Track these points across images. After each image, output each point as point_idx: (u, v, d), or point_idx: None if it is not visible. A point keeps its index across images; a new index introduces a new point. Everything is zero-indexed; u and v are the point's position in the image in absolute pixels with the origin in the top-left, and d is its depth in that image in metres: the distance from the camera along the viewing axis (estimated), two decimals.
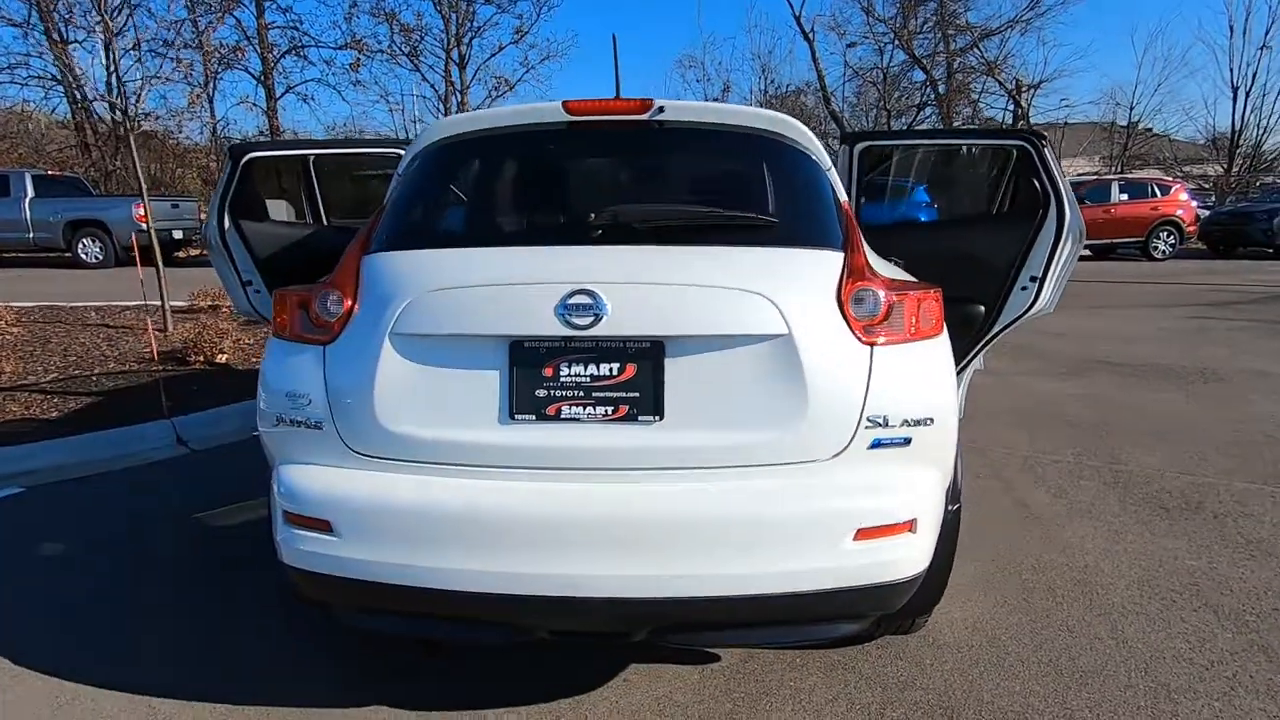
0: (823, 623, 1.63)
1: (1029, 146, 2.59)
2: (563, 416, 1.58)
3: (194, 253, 17.07)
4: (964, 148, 4.19)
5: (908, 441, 1.61)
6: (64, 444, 3.98)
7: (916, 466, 1.64)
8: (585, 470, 1.57)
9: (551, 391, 1.58)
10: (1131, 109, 22.82)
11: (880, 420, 1.59)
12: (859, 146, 2.77)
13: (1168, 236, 15.68)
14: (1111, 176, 17.02)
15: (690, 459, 1.57)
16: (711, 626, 1.63)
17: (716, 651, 2.12)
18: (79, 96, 18.31)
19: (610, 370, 1.58)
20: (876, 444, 1.60)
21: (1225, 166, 22.53)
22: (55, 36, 18.31)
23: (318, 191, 3.37)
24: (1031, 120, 20.50)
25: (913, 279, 1.92)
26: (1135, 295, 10.24)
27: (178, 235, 15.08)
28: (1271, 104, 22.12)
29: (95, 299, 8.76)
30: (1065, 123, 22.08)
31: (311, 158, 3.30)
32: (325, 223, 3.32)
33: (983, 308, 2.81)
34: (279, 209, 3.39)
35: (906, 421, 1.60)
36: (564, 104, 1.96)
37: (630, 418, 1.57)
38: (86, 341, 6.30)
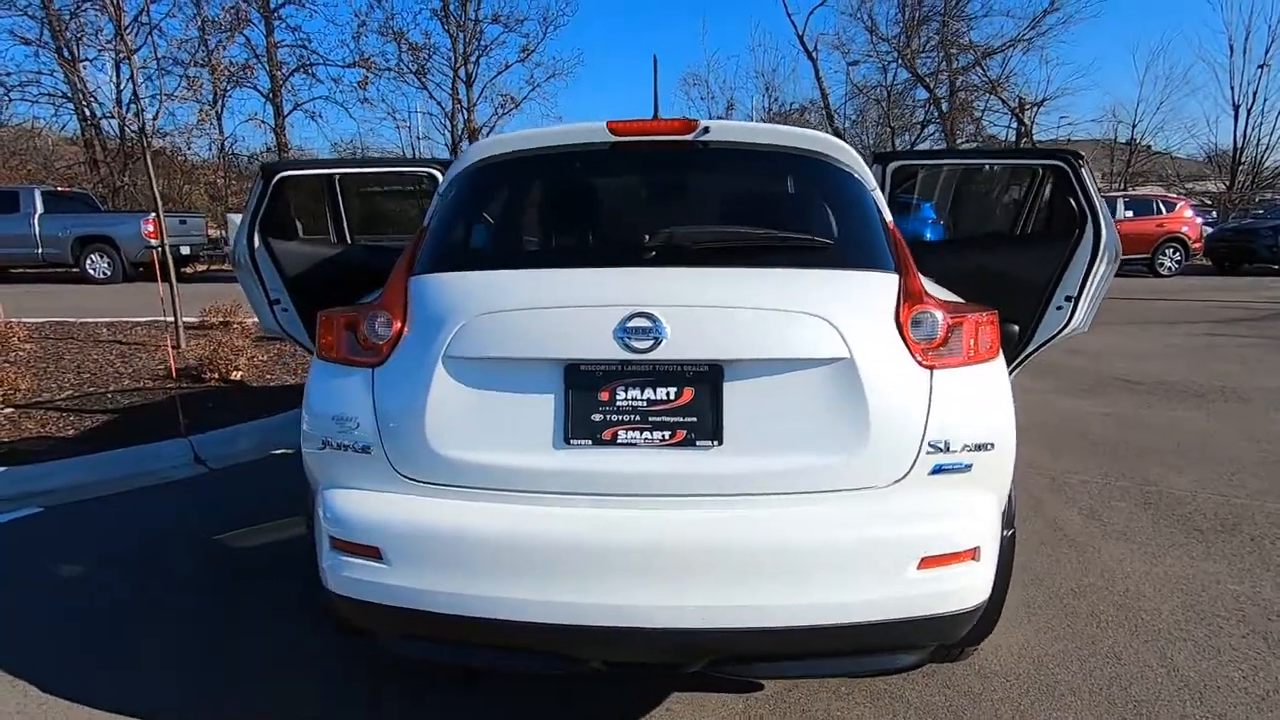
0: (882, 654, 1.60)
1: (1066, 166, 2.58)
2: (619, 441, 1.55)
3: (202, 268, 17.13)
4: (984, 166, 4.20)
5: (969, 467, 1.58)
6: (82, 463, 3.94)
7: (977, 492, 1.61)
8: (641, 496, 1.54)
9: (607, 416, 1.56)
10: (1134, 126, 22.98)
11: (941, 445, 1.56)
12: (891, 166, 2.77)
13: (1173, 253, 15.71)
14: (1116, 193, 17.08)
15: (749, 485, 1.54)
16: (768, 658, 1.59)
17: (760, 680, 2.08)
18: (89, 114, 18.47)
19: (668, 394, 1.56)
20: (938, 470, 1.57)
21: (1227, 183, 22.62)
22: (66, 55, 18.49)
23: (343, 210, 3.36)
24: (1035, 137, 20.62)
25: (962, 300, 1.90)
26: (1144, 311, 10.23)
27: (185, 251, 15.15)
28: (1272, 122, 22.27)
29: (105, 315, 8.76)
30: (1069, 140, 22.20)
31: (336, 176, 3.30)
32: (351, 241, 3.31)
33: (1017, 327, 2.79)
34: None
35: (968, 446, 1.58)
36: (608, 125, 1.96)
37: (688, 442, 1.55)
38: (99, 358, 6.28)
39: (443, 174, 2.89)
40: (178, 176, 21.11)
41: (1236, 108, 22.42)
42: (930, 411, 1.56)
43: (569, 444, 1.56)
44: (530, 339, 1.58)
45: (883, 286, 1.66)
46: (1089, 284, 2.71)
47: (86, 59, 18.07)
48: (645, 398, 1.56)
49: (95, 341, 7.11)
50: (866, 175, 2.03)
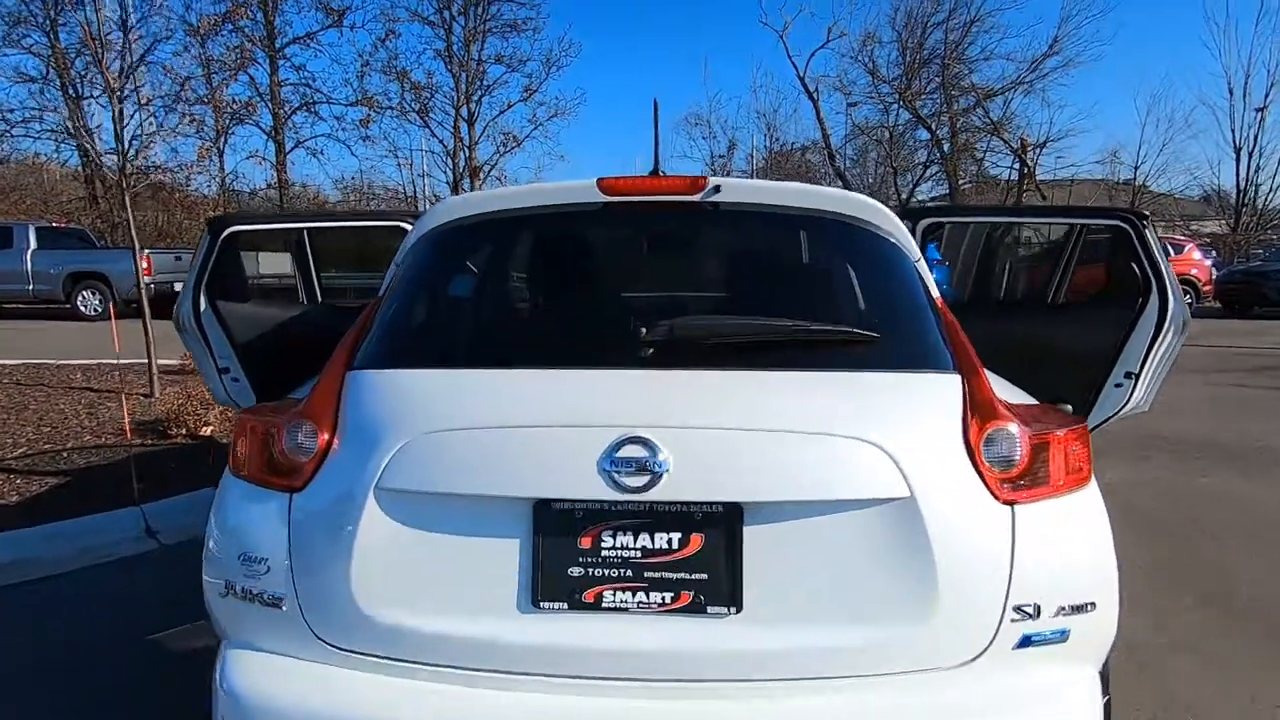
0: None
1: (1129, 227, 2.26)
2: (604, 605, 1.18)
3: None
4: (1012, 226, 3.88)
5: (1065, 635, 1.21)
6: (15, 538, 3.55)
7: (1075, 667, 1.23)
8: (634, 681, 1.16)
9: (589, 570, 1.19)
10: (1136, 168, 22.96)
11: (1030, 609, 1.19)
12: (923, 224, 2.44)
13: (1183, 296, 15.45)
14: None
15: (776, 666, 1.16)
16: None
17: None
18: (90, 150, 18.40)
19: (669, 543, 1.19)
20: (1026, 641, 1.19)
21: (1230, 224, 22.50)
22: (70, 91, 18.54)
23: (313, 266, 3.02)
24: (1037, 179, 20.56)
25: (1032, 400, 1.54)
26: None
27: (179, 287, 14.90)
28: (1272, 166, 22.24)
29: (87, 356, 8.41)
30: (1072, 180, 22.18)
31: (305, 236, 2.96)
32: (320, 300, 2.97)
33: (1070, 407, 2.44)
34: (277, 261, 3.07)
35: (1063, 609, 1.20)
36: (599, 182, 1.62)
37: (696, 608, 1.17)
38: (66, 408, 5.92)
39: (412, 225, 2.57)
40: (178, 211, 21.04)
41: (1238, 150, 22.43)
42: (1014, 563, 1.19)
43: (538, 607, 1.18)
44: (489, 469, 1.22)
45: (945, 395, 1.30)
46: (1152, 358, 2.37)
47: (91, 96, 18.12)
48: (639, 547, 1.19)
49: (67, 388, 6.76)
50: (909, 244, 1.69)
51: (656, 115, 1.92)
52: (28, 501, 4.03)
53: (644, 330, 1.42)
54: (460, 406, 1.29)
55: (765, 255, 1.82)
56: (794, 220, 1.68)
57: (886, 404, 1.27)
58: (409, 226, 2.58)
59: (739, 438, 1.20)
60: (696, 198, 1.60)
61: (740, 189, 1.64)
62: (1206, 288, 15.80)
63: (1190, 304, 15.49)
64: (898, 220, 1.69)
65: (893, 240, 1.65)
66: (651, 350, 1.40)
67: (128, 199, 6.12)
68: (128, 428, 4.33)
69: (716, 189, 1.60)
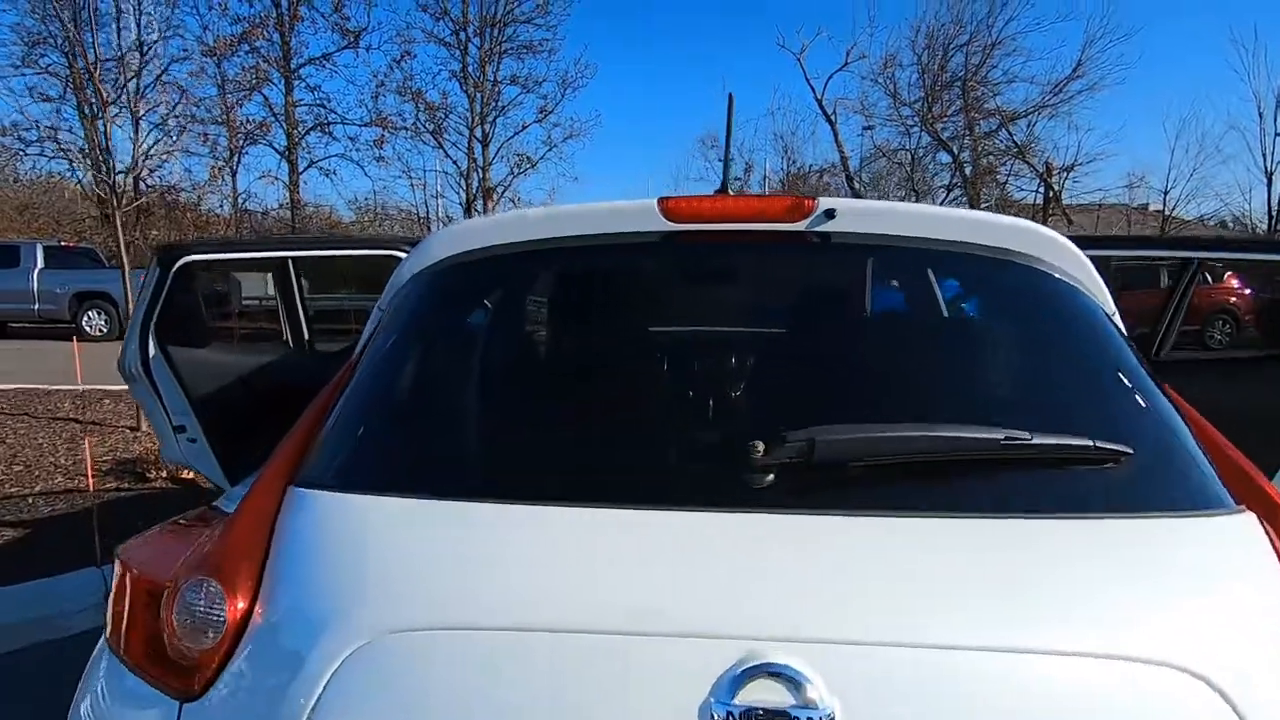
0: None
1: None
2: None
3: None
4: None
5: None
6: None
7: None
8: None
9: None
10: (1165, 194, 22.36)
11: None
12: None
13: (1223, 325, 14.84)
14: (1158, 257, 16.32)
15: None
16: None
17: None
18: (105, 169, 18.31)
19: None
20: None
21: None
22: (86, 111, 18.50)
23: (300, 301, 2.55)
24: (1064, 203, 20.03)
25: None
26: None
27: None
28: None
29: (84, 381, 8.01)
30: (1100, 206, 21.63)
31: (290, 259, 2.50)
32: (306, 344, 2.49)
33: None
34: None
35: None
36: (660, 203, 1.15)
37: None
38: (44, 443, 5.50)
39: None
40: (190, 230, 20.89)
41: (1269, 175, 21.82)
42: None
43: None
44: (501, 710, 0.72)
45: (1252, 551, 0.80)
46: None
47: (103, 116, 18.05)
48: None
49: (51, 419, 6.35)
50: (1103, 293, 1.20)
51: (731, 112, 1.46)
52: None
53: (759, 446, 0.90)
54: (459, 581, 0.80)
55: (911, 312, 1.32)
56: (943, 260, 1.20)
57: (1182, 582, 0.77)
58: (405, 255, 2.12)
59: (960, 665, 0.70)
60: (800, 225, 1.12)
61: (863, 214, 1.16)
62: (1248, 318, 15.18)
63: (1229, 334, 14.85)
64: (1084, 258, 1.19)
65: (1083, 290, 1.16)
66: (773, 480, 0.90)
67: (118, 218, 5.77)
68: (90, 478, 3.89)
69: (829, 214, 1.12)
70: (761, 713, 0.66)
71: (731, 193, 1.42)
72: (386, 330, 1.22)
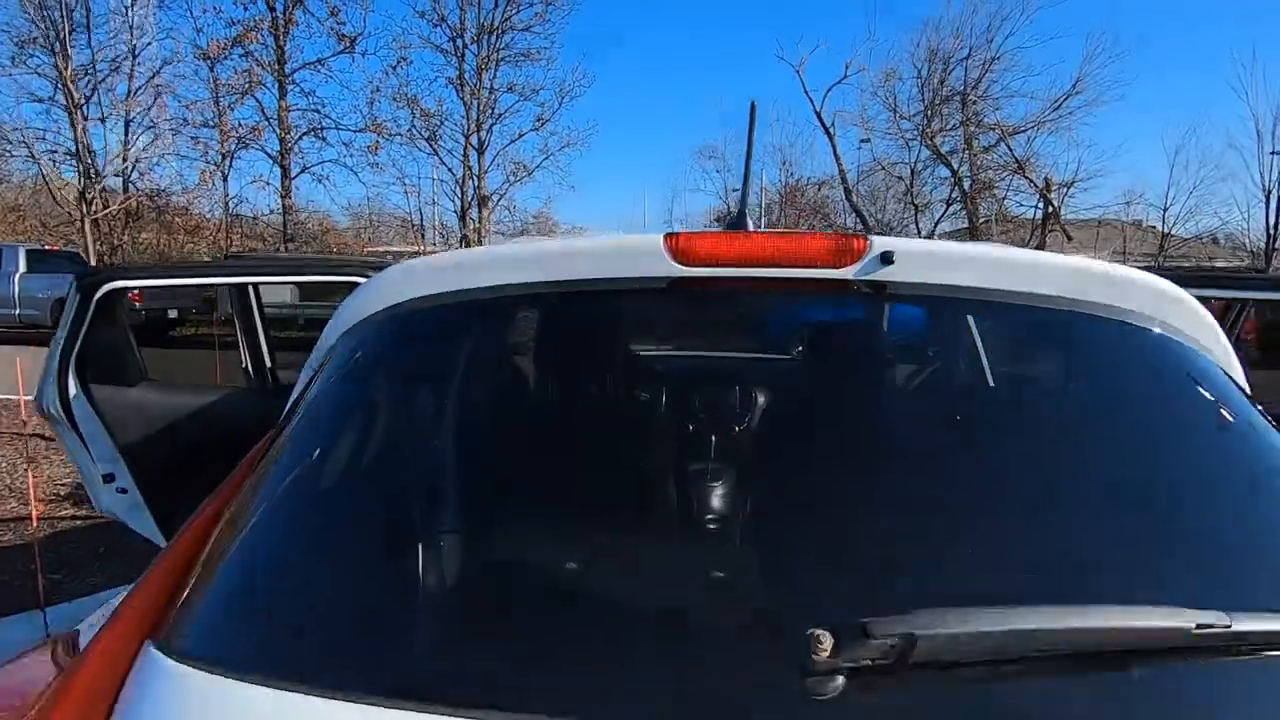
0: None
1: None
2: None
3: (189, 332, 16.21)
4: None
5: None
6: None
7: None
8: None
9: None
10: (1165, 210, 22.29)
11: None
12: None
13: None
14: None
15: None
16: None
17: None
18: (94, 173, 18.00)
19: None
20: None
21: (1263, 270, 21.77)
22: (80, 114, 18.21)
23: (261, 329, 2.25)
24: (1062, 219, 19.92)
25: None
26: None
27: (173, 315, 14.44)
28: None
29: None
30: (1099, 223, 21.53)
31: (250, 284, 2.20)
32: (269, 377, 2.20)
33: None
34: None
35: None
36: (666, 240, 0.89)
37: None
38: (2, 462, 5.19)
39: None
40: (180, 233, 20.56)
41: (1268, 193, 21.79)
42: None
43: None
44: None
45: None
46: None
47: (97, 118, 17.77)
48: None
49: (15, 434, 6.03)
50: (1233, 363, 0.94)
51: (753, 125, 1.20)
52: None
53: (823, 641, 0.58)
54: None
55: (1009, 399, 1.03)
56: (1036, 320, 0.92)
57: None
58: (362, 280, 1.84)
59: None
60: (848, 273, 0.86)
61: (933, 258, 0.89)
62: (1248, 337, 15.07)
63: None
64: (1209, 319, 0.94)
65: (1210, 358, 0.90)
66: (844, 689, 0.60)
67: (87, 222, 5.47)
68: (35, 508, 3.59)
69: (886, 258, 0.86)
70: None
71: (752, 227, 1.15)
72: (316, 406, 0.95)
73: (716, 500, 0.89)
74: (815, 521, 0.83)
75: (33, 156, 15.30)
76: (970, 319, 0.97)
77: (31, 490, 3.32)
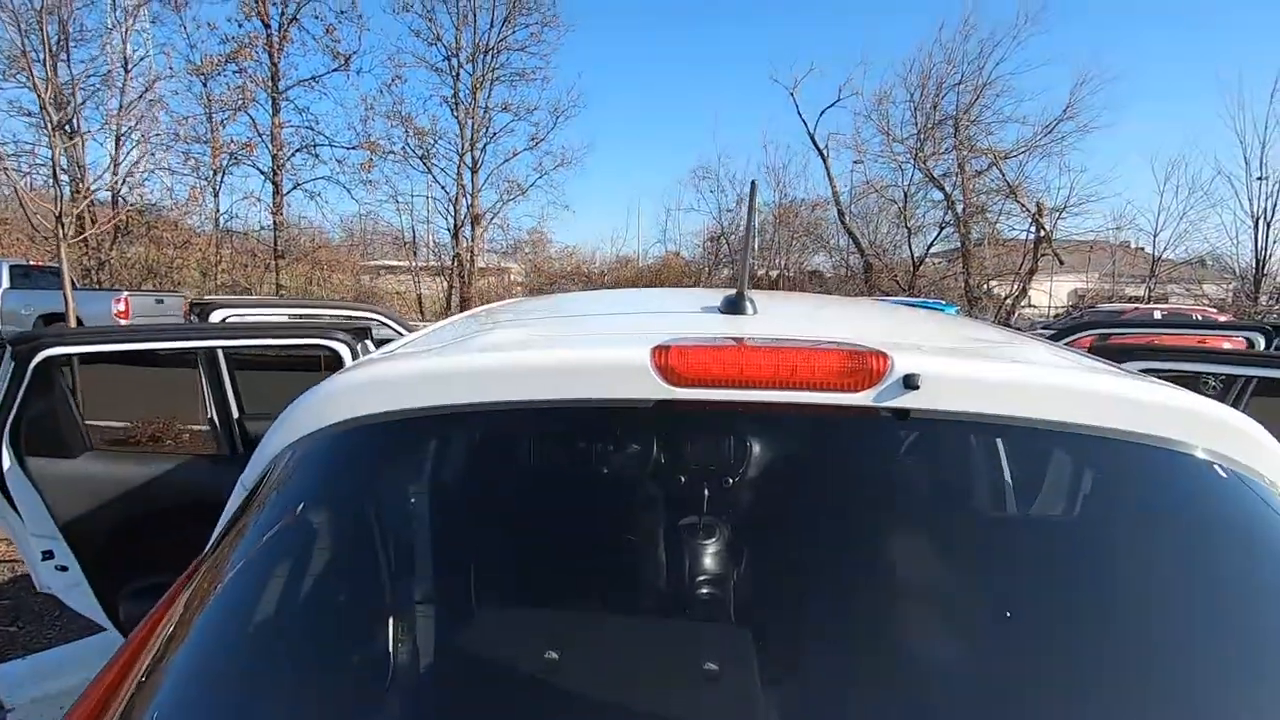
0: None
1: None
2: None
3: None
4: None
5: None
6: None
7: None
8: None
9: None
10: (1155, 236, 22.46)
11: None
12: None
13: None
14: (1153, 306, 16.26)
15: None
16: None
17: None
18: (82, 187, 17.82)
19: None
20: None
21: (1247, 293, 21.91)
22: (67, 129, 18.09)
23: (233, 397, 2.11)
24: (1054, 242, 20.00)
25: None
26: None
27: None
28: None
29: None
30: (1091, 248, 21.66)
31: (220, 349, 2.05)
32: (241, 432, 2.04)
33: None
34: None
35: None
36: (654, 354, 0.77)
37: None
38: None
39: (351, 352, 1.70)
40: (169, 248, 20.35)
41: (1256, 220, 22.00)
42: None
43: None
44: None
45: None
46: None
47: (88, 132, 17.62)
48: None
49: None
50: None
51: (753, 205, 1.09)
52: None
53: None
54: None
55: (1065, 554, 0.87)
56: (1108, 454, 0.79)
57: None
58: (342, 348, 1.70)
59: None
60: (866, 398, 0.74)
61: (961, 386, 0.77)
62: None
63: (1223, 380, 14.66)
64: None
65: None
66: None
67: (63, 248, 5.34)
68: None
69: (910, 382, 0.73)
70: None
71: (750, 311, 1.03)
72: (239, 547, 0.81)
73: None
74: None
75: (4, 171, 15.13)
76: (1023, 451, 0.85)
77: None
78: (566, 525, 0.89)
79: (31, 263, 15.67)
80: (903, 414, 0.77)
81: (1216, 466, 0.78)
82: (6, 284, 13.72)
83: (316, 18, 19.56)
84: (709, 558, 0.84)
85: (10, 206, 20.89)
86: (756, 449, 0.88)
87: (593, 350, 0.84)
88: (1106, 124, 20.54)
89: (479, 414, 0.85)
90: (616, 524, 0.90)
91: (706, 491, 0.86)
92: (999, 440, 0.87)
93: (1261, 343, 2.72)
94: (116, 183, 18.29)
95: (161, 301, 14.70)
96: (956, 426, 0.80)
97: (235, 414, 2.28)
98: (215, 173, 19.76)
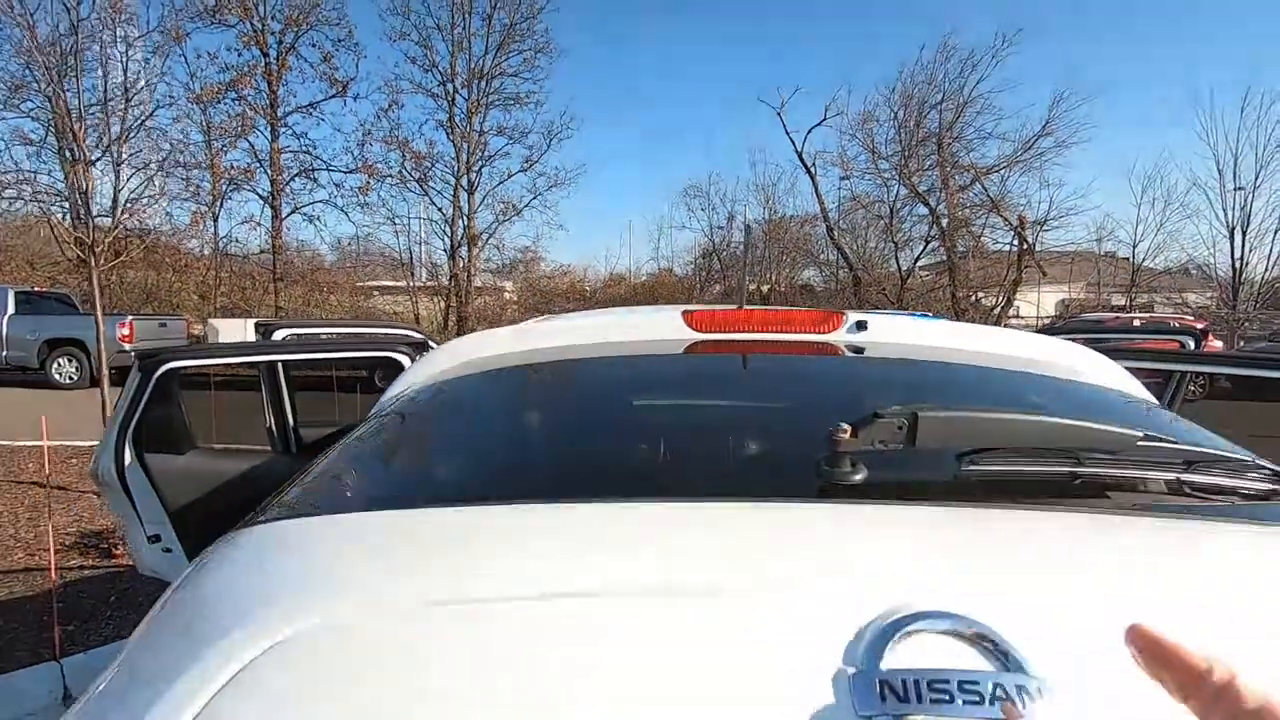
0: None
1: None
2: None
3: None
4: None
5: None
6: None
7: None
8: None
9: None
10: (1134, 247, 23.08)
11: None
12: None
13: (1197, 377, 15.16)
14: (1132, 314, 16.77)
15: None
16: None
17: None
18: (82, 214, 18.13)
19: None
20: None
21: (1225, 300, 22.49)
22: (66, 155, 18.41)
23: (288, 400, 2.43)
24: (1037, 254, 20.55)
25: None
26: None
27: None
28: (1267, 245, 22.40)
29: (53, 433, 7.69)
30: (1073, 260, 22.21)
31: (280, 362, 2.39)
32: (294, 445, 2.37)
33: None
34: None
35: None
36: (684, 315, 1.26)
37: None
38: (3, 510, 5.25)
39: (411, 359, 2.03)
40: (168, 272, 20.61)
41: (1231, 230, 22.62)
42: None
43: None
44: None
45: None
46: None
47: (90, 160, 17.94)
48: None
49: (13, 482, 6.08)
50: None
51: (748, 243, 1.46)
52: None
53: (840, 431, 0.78)
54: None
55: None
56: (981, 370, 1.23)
57: None
58: (402, 357, 2.04)
59: None
60: (834, 336, 1.13)
61: (894, 328, 1.32)
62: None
63: (1203, 387, 15.16)
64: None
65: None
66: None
67: (95, 266, 5.63)
68: (53, 559, 3.68)
69: (861, 325, 1.20)
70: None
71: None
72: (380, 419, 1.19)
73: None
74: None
75: (34, 197, 15.44)
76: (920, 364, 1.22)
77: (51, 544, 3.41)
78: (637, 416, 1.23)
79: (35, 289, 15.90)
80: (858, 348, 1.17)
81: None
82: (12, 310, 13.93)
83: (314, 46, 20.07)
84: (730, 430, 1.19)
85: (10, 234, 21.11)
86: (757, 369, 1.26)
87: (646, 318, 1.24)
88: (1084, 140, 21.17)
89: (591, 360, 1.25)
90: (666, 415, 1.26)
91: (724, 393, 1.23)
92: (918, 361, 1.23)
93: (1191, 344, 3.10)
94: (119, 210, 18.56)
95: (164, 325, 14.96)
96: (890, 349, 1.20)
97: (291, 421, 2.60)
98: (214, 199, 20.07)
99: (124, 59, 17.70)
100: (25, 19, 11.61)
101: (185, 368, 1.97)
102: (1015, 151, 21.09)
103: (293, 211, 20.90)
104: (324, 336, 2.53)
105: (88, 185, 6.40)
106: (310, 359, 2.25)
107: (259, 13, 19.34)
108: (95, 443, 6.61)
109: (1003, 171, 21.30)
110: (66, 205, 19.67)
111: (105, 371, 5.97)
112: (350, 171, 21.03)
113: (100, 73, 17.61)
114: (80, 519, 4.99)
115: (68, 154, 18.73)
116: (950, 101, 21.47)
